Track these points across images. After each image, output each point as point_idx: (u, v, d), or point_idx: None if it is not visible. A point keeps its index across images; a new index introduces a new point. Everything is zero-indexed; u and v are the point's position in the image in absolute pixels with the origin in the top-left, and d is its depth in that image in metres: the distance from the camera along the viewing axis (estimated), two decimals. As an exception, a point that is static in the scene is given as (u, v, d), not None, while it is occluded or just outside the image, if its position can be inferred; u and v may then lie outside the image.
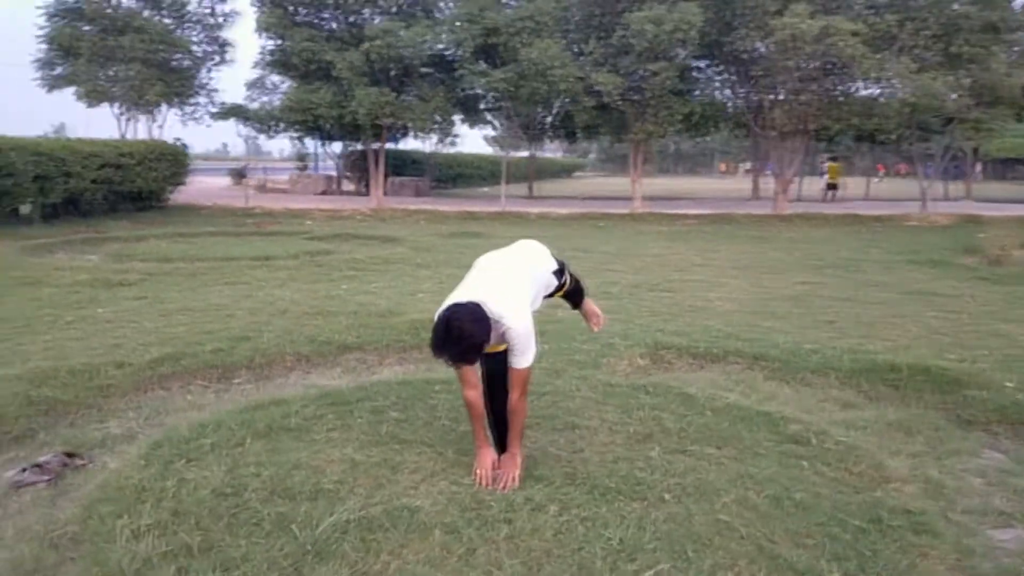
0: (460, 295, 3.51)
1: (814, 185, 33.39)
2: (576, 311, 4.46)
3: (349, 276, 9.96)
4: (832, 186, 31.25)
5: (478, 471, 3.56)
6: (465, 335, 3.29)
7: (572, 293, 4.24)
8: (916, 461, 4.01)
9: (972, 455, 4.21)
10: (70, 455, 3.99)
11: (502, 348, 3.62)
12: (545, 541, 3.01)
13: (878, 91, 19.85)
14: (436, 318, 3.40)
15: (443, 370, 5.65)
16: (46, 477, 3.75)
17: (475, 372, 3.62)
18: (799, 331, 6.88)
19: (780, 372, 5.62)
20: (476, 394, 3.61)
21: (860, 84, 19.80)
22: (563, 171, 74.10)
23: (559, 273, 4.03)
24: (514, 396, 3.56)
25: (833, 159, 33.60)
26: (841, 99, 20.28)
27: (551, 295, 4.11)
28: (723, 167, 78.73)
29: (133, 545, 2.86)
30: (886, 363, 5.48)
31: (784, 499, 3.38)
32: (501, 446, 3.74)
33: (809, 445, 4.08)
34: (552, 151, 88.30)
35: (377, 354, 6.07)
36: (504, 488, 3.46)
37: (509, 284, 3.64)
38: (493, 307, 3.42)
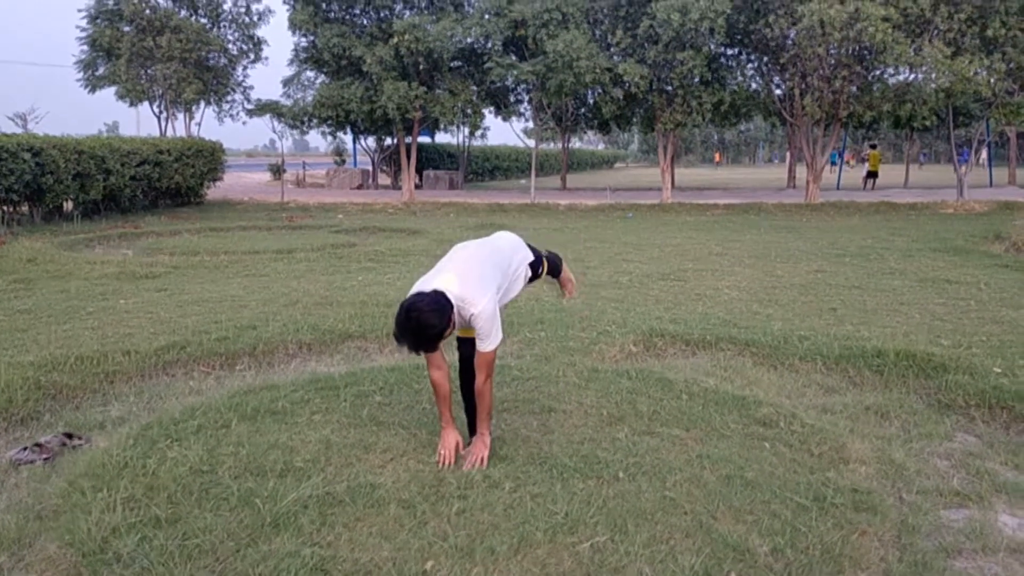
0: (426, 281, 3.64)
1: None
2: (555, 281, 4.60)
3: (366, 268, 10.18)
4: (872, 174, 30.79)
5: (441, 451, 3.71)
6: (424, 325, 3.40)
7: (551, 271, 4.38)
8: (883, 444, 4.06)
9: (944, 438, 4.24)
10: (69, 436, 4.24)
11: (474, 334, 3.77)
12: (494, 515, 3.15)
13: (912, 77, 19.48)
14: (399, 307, 3.50)
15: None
16: (44, 456, 3.98)
17: (441, 355, 3.74)
18: (798, 318, 6.90)
19: (769, 358, 5.68)
20: (441, 375, 3.72)
21: (892, 70, 19.45)
22: (603, 162, 74.10)
23: (535, 264, 4.14)
24: (480, 379, 3.68)
25: (873, 147, 33.10)
26: (880, 85, 19.96)
27: (530, 281, 4.22)
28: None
29: (105, 516, 3.06)
30: (872, 349, 5.50)
31: (735, 478, 3.47)
32: (473, 429, 3.89)
33: (776, 427, 4.15)
34: (592, 143, 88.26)
35: (377, 342, 6.25)
36: (471, 467, 3.61)
37: (475, 270, 3.73)
38: (457, 291, 3.53)
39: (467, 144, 32.83)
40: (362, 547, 2.90)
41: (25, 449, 4.04)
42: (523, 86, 22.36)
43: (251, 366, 5.69)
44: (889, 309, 7.33)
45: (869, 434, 4.21)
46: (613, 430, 4.14)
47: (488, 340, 3.61)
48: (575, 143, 61.50)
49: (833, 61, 19.07)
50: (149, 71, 22.42)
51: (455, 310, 3.50)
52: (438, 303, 3.45)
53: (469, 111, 22.15)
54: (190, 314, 7.13)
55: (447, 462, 3.65)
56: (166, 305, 7.61)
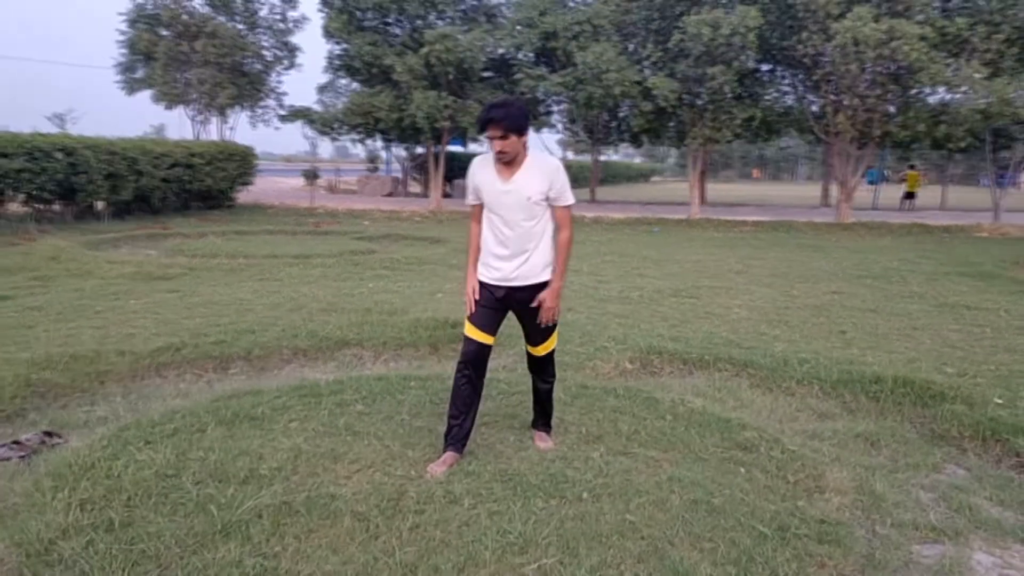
0: None
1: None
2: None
3: (380, 275, 10.19)
4: (910, 195, 30.30)
5: (465, 298, 3.98)
6: (517, 103, 3.78)
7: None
8: (866, 473, 3.94)
9: (932, 469, 4.12)
10: (49, 434, 4.27)
11: (490, 340, 3.88)
12: (447, 532, 3.11)
13: (949, 97, 19.11)
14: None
15: (424, 368, 5.82)
16: (20, 453, 4.02)
17: (482, 211, 3.97)
18: (804, 340, 6.76)
19: (765, 381, 5.57)
20: (478, 229, 4.00)
21: (929, 90, 19.10)
22: (640, 176, 73.80)
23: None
24: (565, 234, 3.89)
25: (912, 167, 32.55)
26: (917, 105, 19.58)
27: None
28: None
29: (58, 517, 3.07)
30: (871, 375, 5.36)
31: (701, 503, 3.39)
32: (455, 441, 3.89)
33: (755, 452, 4.06)
34: (629, 156, 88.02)
35: (373, 350, 6.23)
36: (545, 321, 3.84)
37: None
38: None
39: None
40: (307, 559, 2.88)
41: (3, 446, 4.08)
42: (553, 98, 22.33)
43: (244, 371, 5.70)
44: (900, 334, 7.16)
45: (854, 463, 4.09)
46: (588, 449, 4.07)
47: (566, 195, 3.86)
48: (611, 156, 61.38)
49: (868, 79, 18.78)
50: (185, 75, 22.80)
51: (528, 148, 3.80)
52: (529, 113, 3.84)
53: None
54: (195, 316, 7.18)
55: (471, 307, 3.90)
56: (174, 306, 7.67)
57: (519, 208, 3.78)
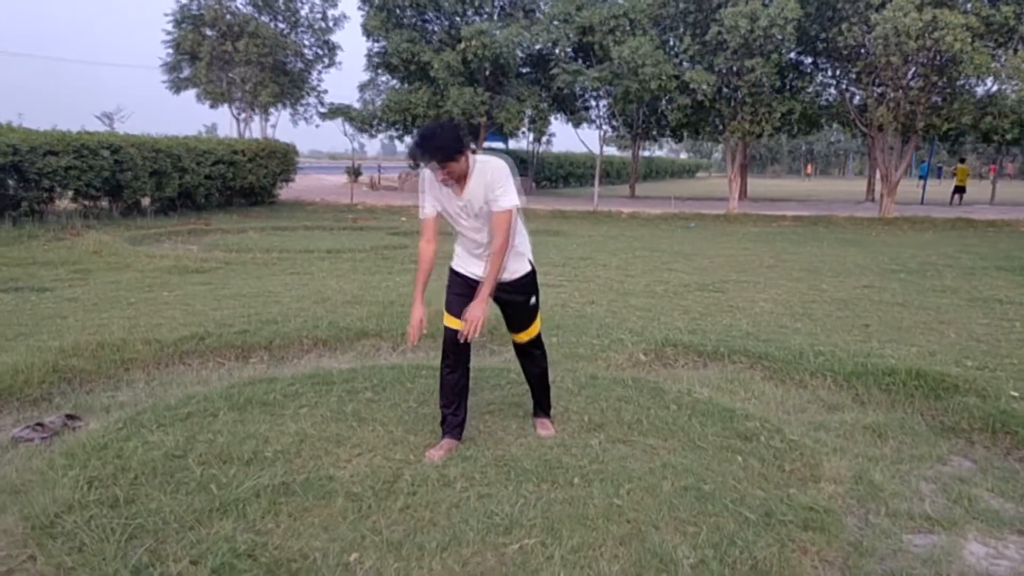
0: None
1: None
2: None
3: (407, 269, 10.32)
4: (960, 189, 29.62)
5: (409, 328, 3.86)
6: (435, 133, 3.59)
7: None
8: (868, 463, 3.92)
9: (936, 461, 4.08)
10: (71, 417, 4.45)
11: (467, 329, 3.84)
12: (436, 513, 3.18)
13: (996, 88, 18.65)
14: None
15: (439, 358, 5.90)
16: (43, 435, 4.20)
17: (433, 228, 3.91)
18: (824, 334, 6.71)
19: (779, 373, 5.54)
20: (427, 249, 3.94)
21: (976, 80, 18.64)
22: (684, 171, 73.23)
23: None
24: (498, 241, 3.71)
25: (962, 161, 31.80)
26: (963, 96, 19.12)
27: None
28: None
29: (67, 493, 3.21)
30: (886, 367, 5.31)
31: (691, 489, 3.41)
32: (450, 429, 3.97)
33: (755, 441, 4.06)
34: (675, 151, 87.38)
35: (392, 341, 6.35)
36: (468, 336, 3.69)
37: None
38: (480, 156, 3.77)
39: (535, 150, 32.94)
40: (298, 536, 2.98)
41: (28, 428, 4.27)
42: (591, 92, 22.29)
43: (264, 360, 5.85)
44: (925, 327, 7.06)
45: (857, 453, 4.07)
46: (588, 437, 4.12)
47: (503, 198, 3.68)
48: (656, 151, 61.03)
49: (911, 71, 18.41)
50: (228, 74, 23.25)
51: (471, 158, 3.67)
52: (459, 131, 3.64)
53: (536, 117, 22.23)
54: (223, 307, 7.37)
55: (413, 338, 3.83)
56: (205, 298, 7.88)
57: (478, 217, 3.79)
